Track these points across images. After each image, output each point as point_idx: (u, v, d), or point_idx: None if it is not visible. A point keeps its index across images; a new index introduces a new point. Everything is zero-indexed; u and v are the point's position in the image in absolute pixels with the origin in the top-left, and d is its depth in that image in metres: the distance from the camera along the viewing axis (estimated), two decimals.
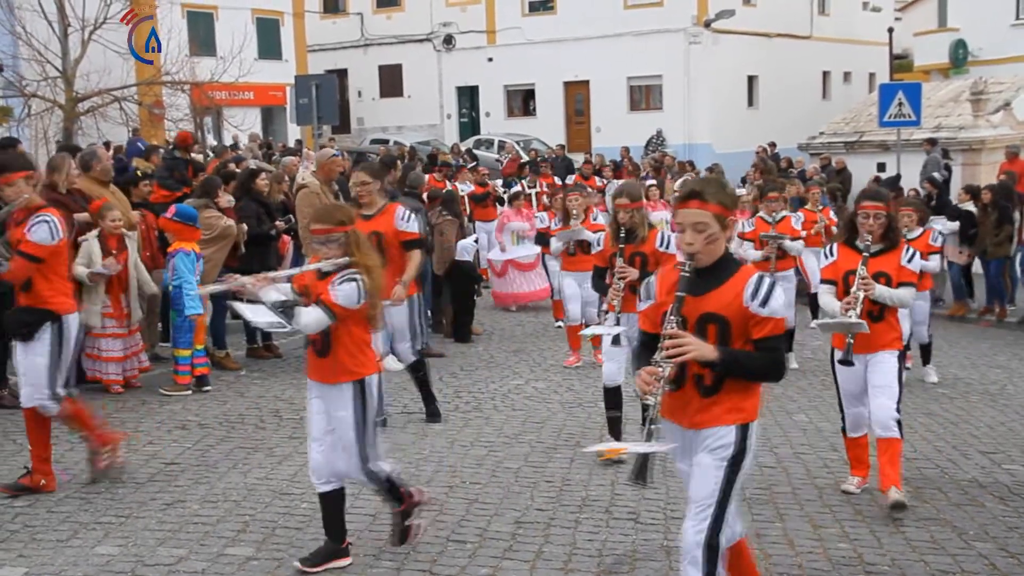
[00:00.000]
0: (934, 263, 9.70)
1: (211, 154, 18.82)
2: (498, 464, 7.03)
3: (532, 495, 6.35)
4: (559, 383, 9.69)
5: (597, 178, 20.58)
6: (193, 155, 13.54)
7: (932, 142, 20.10)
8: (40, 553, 5.31)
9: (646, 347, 3.99)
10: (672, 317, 3.84)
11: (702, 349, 3.84)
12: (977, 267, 14.26)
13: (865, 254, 6.14)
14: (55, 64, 18.79)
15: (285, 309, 4.90)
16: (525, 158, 28.01)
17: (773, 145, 27.45)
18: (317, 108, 16.69)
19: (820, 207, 11.99)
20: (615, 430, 7.20)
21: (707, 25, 33.48)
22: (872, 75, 37.59)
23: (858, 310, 6.07)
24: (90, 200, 9.03)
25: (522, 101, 38.08)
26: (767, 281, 3.89)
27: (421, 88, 38.47)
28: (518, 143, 31.70)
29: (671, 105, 34.34)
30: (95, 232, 8.71)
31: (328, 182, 10.20)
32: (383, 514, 5.96)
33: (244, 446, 7.38)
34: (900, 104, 18.13)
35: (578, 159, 27.46)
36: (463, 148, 29.87)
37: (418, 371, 8.30)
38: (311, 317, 4.87)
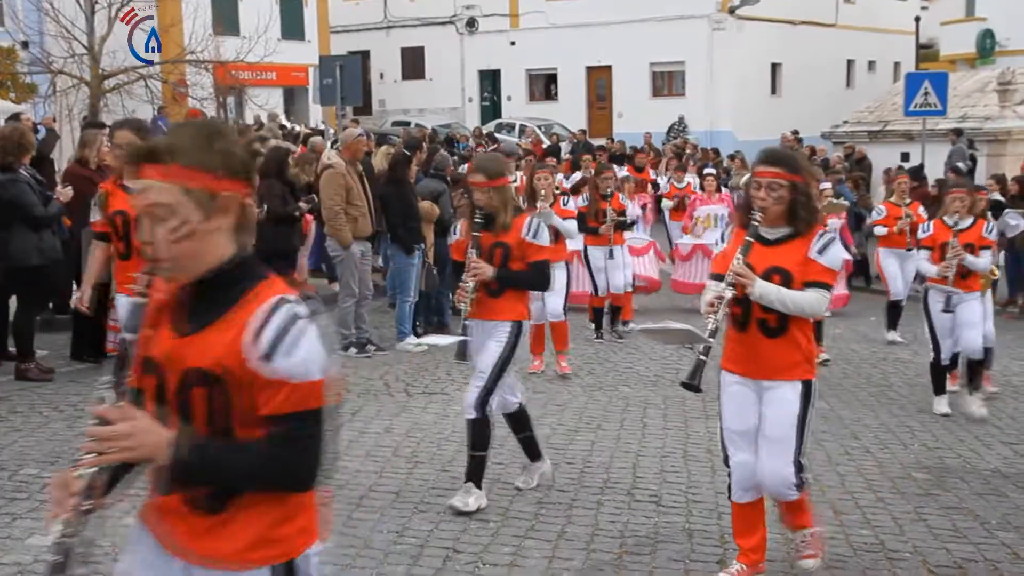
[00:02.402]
0: (984, 260, 8.10)
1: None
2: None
3: (554, 476, 6.37)
4: (579, 366, 9.71)
5: (652, 171, 19.43)
6: None
7: (957, 132, 19.99)
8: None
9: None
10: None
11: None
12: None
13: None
14: (81, 41, 18.86)
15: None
16: (547, 143, 28.01)
17: (796, 133, 27.33)
18: (341, 89, 16.71)
19: (907, 201, 11.16)
20: (476, 473, 5.76)
21: (731, 11, 33.32)
22: (897, 64, 37.32)
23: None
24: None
25: (544, 85, 38.01)
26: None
27: (443, 71, 38.43)
28: (539, 127, 31.67)
29: (694, 91, 34.21)
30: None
31: (353, 162, 10.23)
32: (406, 491, 6.02)
33: None
34: (926, 93, 18.00)
35: (599, 144, 27.39)
36: (484, 132, 29.84)
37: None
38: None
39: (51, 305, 10.47)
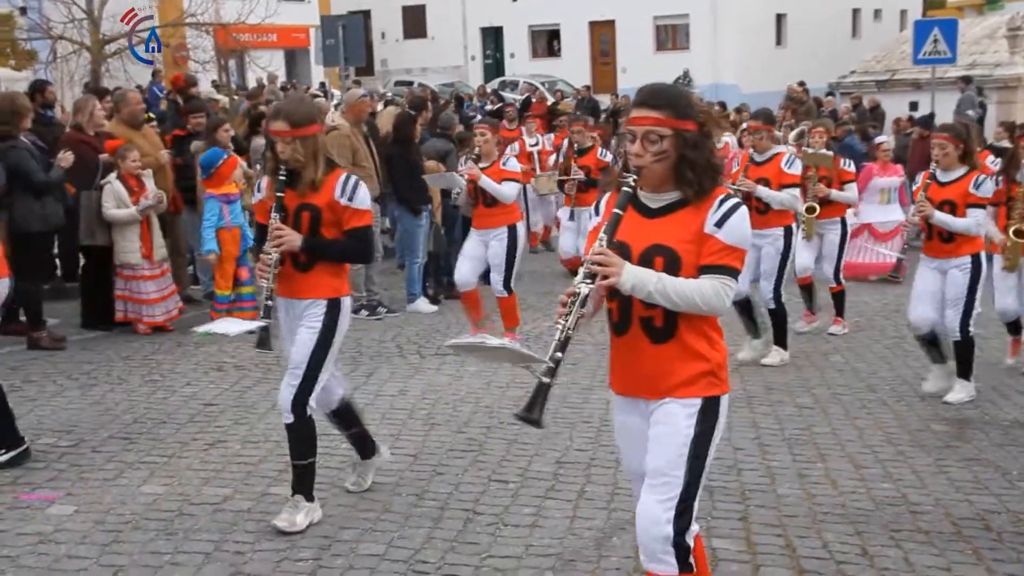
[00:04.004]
0: (965, 221, 6.80)
1: (236, 97, 18.75)
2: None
3: (571, 436, 6.35)
4: (592, 323, 9.61)
5: None
6: (192, 94, 13.44)
7: (967, 80, 19.80)
8: (88, 492, 5.37)
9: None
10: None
11: None
12: None
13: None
14: (81, 5, 18.68)
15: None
16: (551, 100, 27.80)
17: (803, 84, 27.11)
18: (344, 49, 16.54)
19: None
20: (304, 484, 4.98)
21: None
22: (903, 12, 36.97)
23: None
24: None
25: (547, 42, 37.73)
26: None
27: (445, 29, 38.15)
28: (543, 84, 31.43)
29: (698, 45, 33.95)
30: (114, 174, 8.75)
31: (358, 123, 10.14)
32: (424, 453, 6.00)
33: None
34: (935, 41, 17.80)
35: (604, 100, 27.20)
36: (488, 90, 29.63)
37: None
38: None
39: (59, 272, 10.45)
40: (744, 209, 3.34)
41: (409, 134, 10.39)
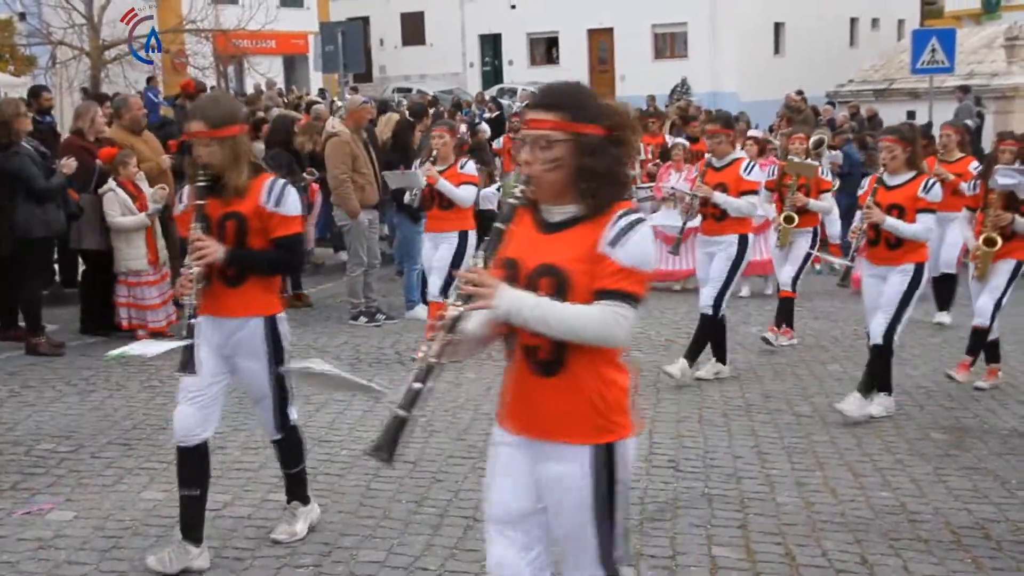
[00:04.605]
0: (914, 227, 6.55)
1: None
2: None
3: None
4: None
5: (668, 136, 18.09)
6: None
7: (964, 89, 19.84)
8: (87, 497, 5.37)
9: None
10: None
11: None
12: None
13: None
14: (80, 11, 18.70)
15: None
16: None
17: (801, 93, 27.16)
18: (343, 55, 16.58)
19: (956, 156, 9.59)
20: (298, 489, 4.91)
21: None
22: (901, 22, 37.06)
23: None
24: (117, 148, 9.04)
25: (545, 49, 37.81)
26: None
27: (443, 36, 38.22)
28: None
29: (696, 52, 34.01)
30: (113, 182, 8.74)
31: (358, 130, 10.15)
32: (423, 460, 6.00)
33: None
34: (933, 51, 17.85)
35: None
36: (487, 97, 29.66)
37: None
38: None
39: (58, 278, 10.46)
40: (646, 227, 2.95)
41: (408, 141, 10.41)
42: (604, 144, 2.93)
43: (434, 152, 8.23)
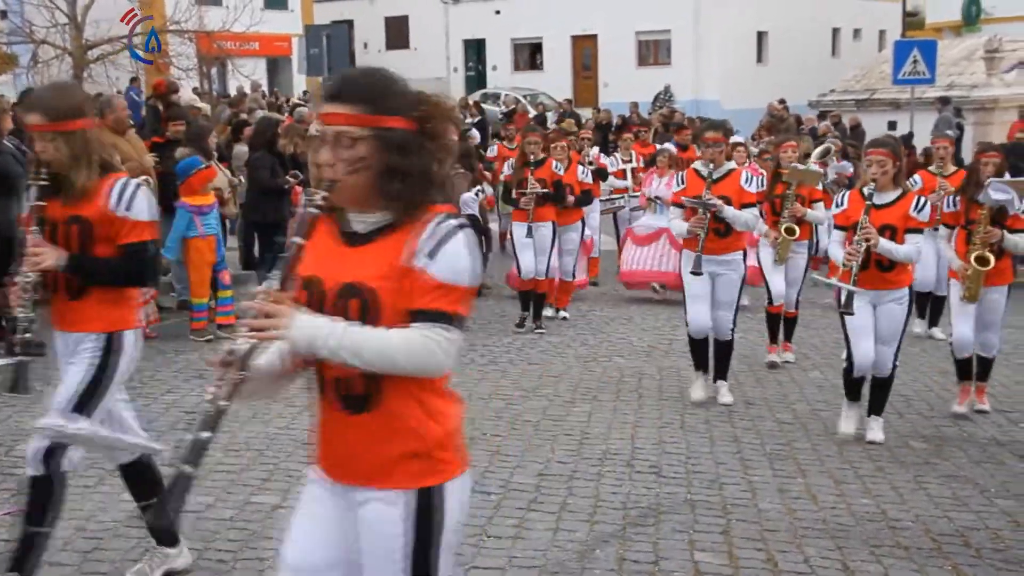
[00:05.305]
0: (907, 248, 6.28)
1: (219, 104, 18.72)
2: (517, 417, 7.05)
3: (553, 448, 6.37)
4: (573, 337, 9.70)
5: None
6: (173, 101, 13.46)
7: (944, 101, 19.99)
8: (69, 499, 5.26)
9: None
10: None
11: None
12: None
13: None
14: (63, 10, 18.60)
15: None
16: (532, 112, 27.88)
17: (783, 102, 27.31)
18: (328, 59, 16.56)
19: (950, 170, 9.15)
20: (24, 561, 4.12)
21: None
22: (883, 32, 37.28)
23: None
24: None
25: (529, 55, 37.83)
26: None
27: (427, 41, 38.21)
28: (525, 97, 31.51)
29: (679, 60, 34.10)
30: None
31: None
32: None
33: None
34: (915, 62, 17.99)
35: (586, 114, 27.30)
36: (471, 102, 29.68)
37: None
38: None
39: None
40: (466, 235, 2.55)
41: None
42: (413, 139, 2.55)
43: None
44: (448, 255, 2.50)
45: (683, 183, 7.42)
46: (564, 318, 10.38)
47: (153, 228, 4.04)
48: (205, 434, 2.50)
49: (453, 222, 2.54)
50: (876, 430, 6.65)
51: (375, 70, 2.66)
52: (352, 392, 2.57)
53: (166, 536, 4.39)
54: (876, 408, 6.70)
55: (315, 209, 2.55)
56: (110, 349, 4.01)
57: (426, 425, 2.59)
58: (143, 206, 3.94)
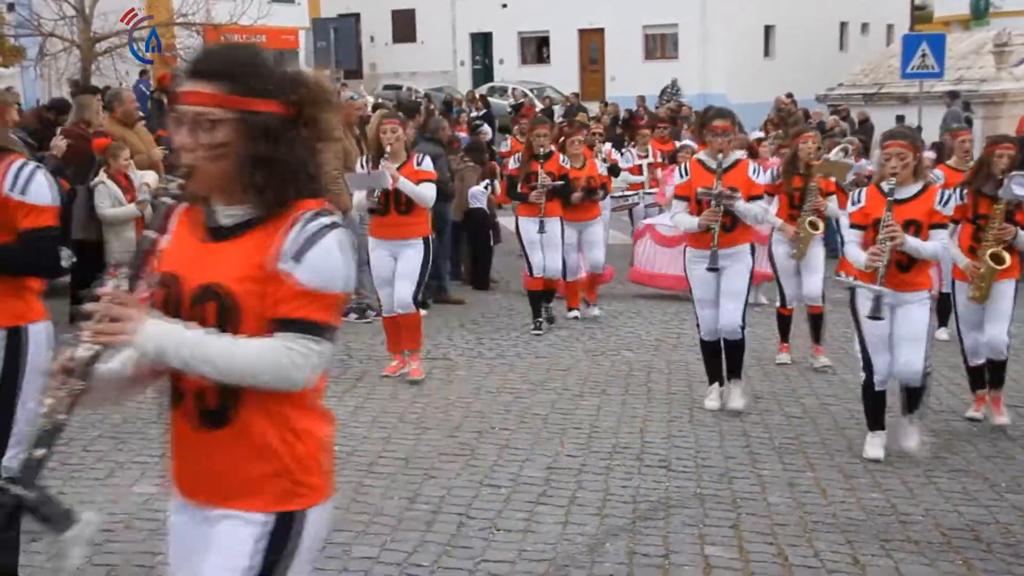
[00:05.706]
0: (933, 245, 5.89)
1: None
2: (526, 411, 7.05)
3: (562, 441, 6.37)
4: (581, 331, 9.69)
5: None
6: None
7: (953, 95, 19.93)
8: (79, 491, 5.36)
9: None
10: None
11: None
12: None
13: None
14: (71, 2, 18.62)
15: None
16: (540, 106, 27.86)
17: (791, 96, 27.25)
18: (335, 52, 16.55)
19: (970, 163, 8.06)
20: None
21: None
22: (891, 26, 37.20)
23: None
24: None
25: (536, 49, 37.82)
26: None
27: (434, 34, 38.18)
28: (532, 90, 31.50)
29: (686, 54, 34.07)
30: (102, 174, 8.72)
31: (349, 126, 10.14)
32: (415, 457, 6.00)
33: None
34: (923, 55, 17.93)
35: (593, 108, 27.27)
36: (478, 95, 29.68)
37: None
38: None
39: None
40: (338, 235, 2.32)
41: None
42: (284, 125, 2.30)
43: (387, 147, 7.33)
44: (316, 258, 2.27)
45: (687, 174, 7.03)
46: (576, 317, 10.19)
47: (55, 214, 3.73)
48: (39, 451, 2.23)
49: (324, 220, 2.30)
50: (913, 435, 6.13)
51: (243, 45, 2.43)
52: (207, 406, 2.34)
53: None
54: (911, 405, 6.16)
55: (170, 199, 2.33)
56: (18, 344, 3.67)
57: (289, 444, 2.36)
58: (43, 190, 3.65)
